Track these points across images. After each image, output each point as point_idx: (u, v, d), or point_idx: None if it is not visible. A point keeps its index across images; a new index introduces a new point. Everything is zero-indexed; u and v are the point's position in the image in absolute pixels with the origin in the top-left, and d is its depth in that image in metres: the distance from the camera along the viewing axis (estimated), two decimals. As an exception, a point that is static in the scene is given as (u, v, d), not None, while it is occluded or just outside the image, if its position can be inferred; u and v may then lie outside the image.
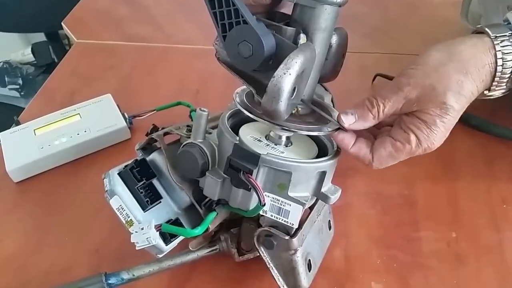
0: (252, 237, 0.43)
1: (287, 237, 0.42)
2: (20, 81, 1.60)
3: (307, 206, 0.41)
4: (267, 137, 0.43)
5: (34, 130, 0.64)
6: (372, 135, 0.44)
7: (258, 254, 0.44)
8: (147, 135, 0.48)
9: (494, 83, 0.42)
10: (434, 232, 0.52)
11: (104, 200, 0.44)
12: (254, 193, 0.39)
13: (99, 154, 0.64)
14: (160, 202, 0.46)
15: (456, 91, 0.40)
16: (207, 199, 0.43)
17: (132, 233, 0.42)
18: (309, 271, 0.45)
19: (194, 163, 0.41)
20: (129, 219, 0.43)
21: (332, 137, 0.43)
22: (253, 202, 0.41)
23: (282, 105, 0.35)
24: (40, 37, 1.55)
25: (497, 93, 0.44)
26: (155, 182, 0.46)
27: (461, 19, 0.76)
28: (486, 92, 0.43)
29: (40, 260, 0.52)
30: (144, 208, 0.44)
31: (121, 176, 0.44)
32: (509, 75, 0.42)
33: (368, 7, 0.89)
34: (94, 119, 0.65)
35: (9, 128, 0.65)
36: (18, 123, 0.66)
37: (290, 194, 0.40)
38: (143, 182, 0.45)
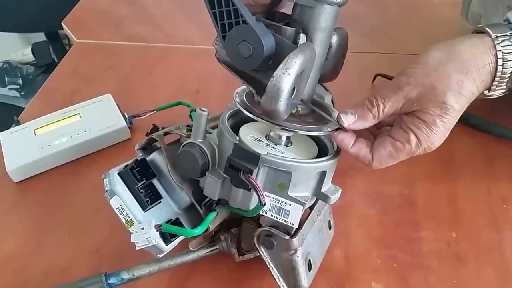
0: (252, 237, 0.43)
1: (287, 237, 0.42)
2: (20, 81, 1.60)
3: (307, 206, 0.41)
4: (267, 137, 0.43)
5: (34, 130, 0.64)
6: (372, 135, 0.44)
7: (258, 254, 0.44)
8: (147, 135, 0.48)
9: (494, 83, 0.42)
10: (434, 232, 0.52)
11: (104, 200, 0.44)
12: (254, 193, 0.39)
13: (99, 154, 0.64)
14: (160, 202, 0.46)
15: (456, 91, 0.40)
16: (207, 199, 0.43)
17: (132, 233, 0.42)
18: (309, 271, 0.45)
19: (194, 163, 0.41)
20: (129, 219, 0.43)
21: (332, 137, 0.43)
22: (253, 202, 0.41)
23: (282, 105, 0.35)
24: (40, 37, 1.55)
25: (497, 93, 0.44)
26: (155, 182, 0.46)
27: (461, 19, 0.76)
28: (486, 92, 0.43)
29: (40, 260, 0.52)
30: (144, 208, 0.44)
31: (121, 176, 0.44)
32: (509, 75, 0.42)
33: (368, 7, 0.89)
34: (94, 119, 0.65)
35: (9, 128, 0.65)
36: (18, 123, 0.66)
37: (290, 194, 0.40)
38: (143, 182, 0.44)
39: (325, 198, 0.41)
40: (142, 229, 0.42)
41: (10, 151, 0.61)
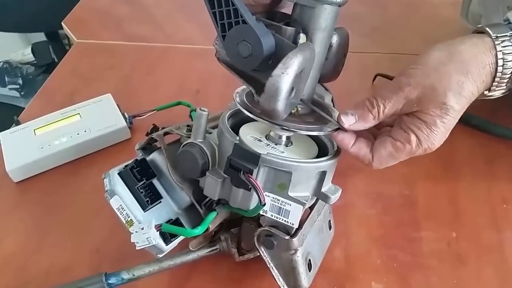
0: (252, 237, 0.43)
1: (287, 237, 0.42)
2: (20, 81, 1.60)
3: (307, 206, 0.41)
4: (267, 137, 0.43)
5: (34, 130, 0.64)
6: (372, 135, 0.44)
7: (258, 254, 0.44)
8: (147, 135, 0.48)
9: (494, 84, 0.42)
10: (435, 232, 0.52)
11: (104, 200, 0.44)
12: (254, 193, 0.39)
13: (99, 154, 0.64)
14: (160, 202, 0.46)
15: (457, 92, 0.40)
16: (207, 199, 0.43)
17: (132, 233, 0.42)
18: (309, 271, 0.45)
19: (194, 163, 0.41)
20: (129, 219, 0.43)
21: (332, 137, 0.43)
22: (253, 202, 0.41)
23: (281, 105, 0.35)
24: (40, 37, 1.55)
25: (497, 93, 0.44)
26: (155, 182, 0.46)
27: (461, 19, 0.76)
28: (486, 92, 0.43)
29: (40, 260, 0.52)
30: (144, 208, 0.44)
31: (121, 176, 0.44)
32: (509, 75, 0.42)
33: (368, 7, 0.89)
34: (94, 119, 0.65)
35: (9, 128, 0.65)
36: (18, 123, 0.66)
37: (290, 194, 0.40)
38: (143, 182, 0.44)
39: (325, 198, 0.41)
40: (142, 229, 0.42)
41: (10, 151, 0.61)
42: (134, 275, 0.45)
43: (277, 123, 0.39)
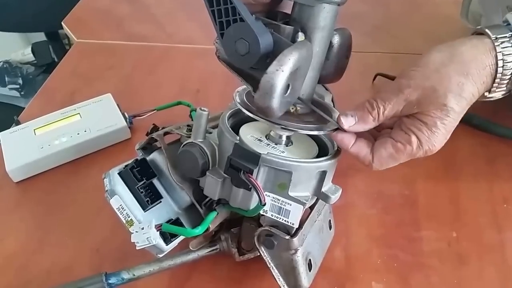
0: (252, 237, 0.43)
1: (287, 237, 0.42)
2: (20, 81, 1.60)
3: (307, 205, 0.41)
4: (268, 136, 0.43)
5: (34, 130, 0.64)
6: (373, 137, 0.44)
7: (259, 254, 0.44)
8: (147, 134, 0.48)
9: (494, 85, 0.42)
10: (435, 231, 0.52)
11: (104, 199, 0.44)
12: (255, 193, 0.39)
13: (99, 154, 0.64)
14: (161, 201, 0.46)
15: (457, 93, 0.40)
16: (207, 199, 0.43)
17: (133, 233, 0.42)
18: (310, 270, 0.45)
19: (194, 163, 0.41)
20: (129, 219, 0.43)
21: (331, 137, 0.43)
22: (254, 202, 0.41)
23: (275, 102, 0.35)
24: (40, 36, 1.56)
25: (498, 94, 0.44)
26: (155, 181, 0.46)
27: (461, 19, 0.76)
28: (486, 93, 0.43)
29: (41, 260, 0.52)
30: (144, 207, 0.44)
31: (122, 175, 0.44)
32: (509, 76, 0.42)
33: (369, 6, 0.89)
34: (94, 118, 0.65)
35: (9, 128, 0.65)
36: (18, 123, 0.66)
37: (290, 193, 0.40)
38: (144, 182, 0.44)
39: (325, 197, 0.41)
40: (142, 229, 0.42)
41: (10, 151, 0.61)
42: (134, 275, 0.45)
43: (277, 122, 0.39)
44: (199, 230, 0.42)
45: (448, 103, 0.40)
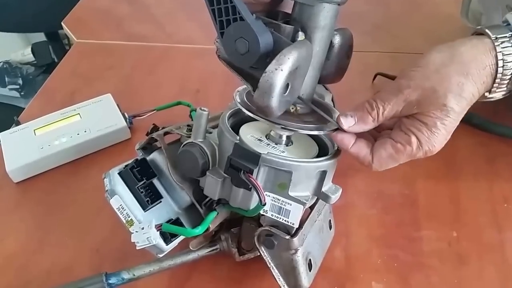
0: (252, 237, 0.43)
1: (287, 237, 0.42)
2: (20, 81, 1.60)
3: (307, 205, 0.41)
4: (268, 136, 0.43)
5: (34, 130, 0.64)
6: (373, 137, 0.44)
7: (259, 254, 0.44)
8: (147, 134, 0.48)
9: (495, 85, 0.42)
10: (435, 231, 0.52)
11: (104, 199, 0.44)
12: (255, 193, 0.39)
13: (99, 154, 0.64)
14: (161, 201, 0.46)
15: (457, 93, 0.40)
16: (207, 199, 0.43)
17: (133, 233, 0.42)
18: (310, 270, 0.45)
19: (194, 163, 0.41)
20: (129, 219, 0.43)
21: (331, 137, 0.42)
22: (254, 202, 0.41)
23: (274, 101, 0.35)
24: (40, 37, 1.55)
25: (498, 95, 0.44)
26: (155, 181, 0.46)
27: (461, 18, 0.76)
28: (487, 94, 0.43)
29: (41, 260, 0.52)
30: (144, 207, 0.44)
31: (122, 175, 0.44)
32: (509, 76, 0.42)
33: (370, 5, 0.89)
34: (94, 119, 0.65)
35: (9, 128, 0.65)
36: (18, 123, 0.66)
37: (290, 193, 0.40)
38: (144, 182, 0.44)
39: (325, 197, 0.41)
40: (143, 228, 0.42)
41: (10, 151, 0.61)
42: (134, 275, 0.45)
43: (277, 122, 0.39)
44: (199, 230, 0.42)
45: (448, 103, 0.40)
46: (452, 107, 0.40)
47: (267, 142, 0.42)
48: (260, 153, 0.38)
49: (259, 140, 0.42)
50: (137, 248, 0.42)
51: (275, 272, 0.44)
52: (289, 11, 0.40)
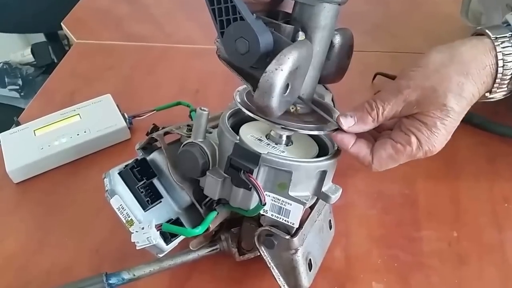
0: (252, 237, 0.43)
1: (287, 237, 0.42)
2: (20, 82, 1.60)
3: (307, 205, 0.41)
4: (268, 136, 0.43)
5: (34, 130, 0.64)
6: (373, 138, 0.44)
7: (259, 254, 0.44)
8: (147, 134, 0.48)
9: (495, 85, 0.42)
10: (436, 231, 0.52)
11: (104, 200, 0.44)
12: (255, 193, 0.39)
13: (99, 154, 0.64)
14: (161, 201, 0.45)
15: (457, 93, 0.40)
16: (207, 199, 0.43)
17: (133, 233, 0.42)
18: (310, 270, 0.45)
19: (194, 163, 0.41)
20: (129, 219, 0.43)
21: (331, 137, 0.42)
22: (254, 202, 0.41)
23: (275, 101, 0.35)
24: (40, 37, 1.56)
25: (499, 95, 0.44)
26: (155, 181, 0.46)
27: (461, 17, 0.76)
28: (487, 94, 0.43)
29: (41, 260, 0.52)
30: (144, 207, 0.44)
31: (122, 175, 0.44)
32: (510, 76, 0.42)
33: (369, 4, 0.89)
34: (94, 119, 0.65)
35: (9, 128, 0.65)
36: (18, 124, 0.66)
37: (290, 193, 0.40)
38: (144, 182, 0.44)
39: (325, 197, 0.41)
40: (143, 228, 0.42)
41: (10, 152, 0.61)
42: (134, 275, 0.45)
43: (277, 122, 0.39)
44: (199, 230, 0.42)
45: (448, 103, 0.40)
46: (452, 107, 0.40)
47: (267, 142, 0.42)
48: (260, 153, 0.38)
49: (259, 140, 0.42)
50: (137, 248, 0.42)
51: (275, 272, 0.44)
52: (290, 11, 0.40)
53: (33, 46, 1.58)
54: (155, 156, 0.46)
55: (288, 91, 0.36)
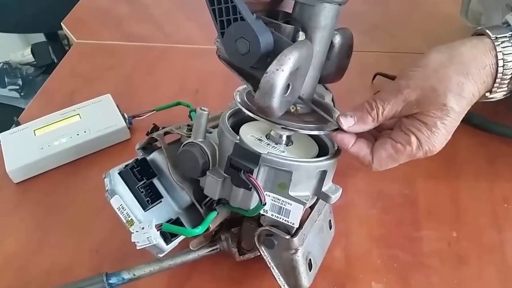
0: (252, 237, 0.43)
1: (287, 237, 0.42)
2: (20, 82, 1.60)
3: (307, 205, 0.41)
4: (268, 136, 0.43)
5: (34, 130, 0.64)
6: (373, 137, 0.44)
7: (259, 254, 0.44)
8: (147, 134, 0.48)
9: (495, 85, 0.42)
10: (436, 231, 0.52)
11: (104, 200, 0.44)
12: (255, 193, 0.39)
13: (99, 154, 0.64)
14: (161, 201, 0.46)
15: (457, 93, 0.40)
16: (207, 199, 0.43)
17: (133, 233, 0.42)
18: (310, 270, 0.45)
19: (194, 163, 0.41)
20: (129, 219, 0.43)
21: (331, 137, 0.42)
22: (254, 202, 0.41)
23: (275, 102, 0.35)
24: (40, 37, 1.56)
25: (499, 95, 0.44)
26: (155, 181, 0.46)
27: (461, 18, 0.76)
28: (487, 94, 0.43)
29: (41, 260, 0.52)
30: (144, 207, 0.44)
31: (122, 175, 0.44)
32: (510, 76, 0.42)
33: (368, 4, 0.89)
34: (93, 119, 0.65)
35: (9, 128, 0.65)
36: (18, 124, 0.66)
37: (290, 193, 0.40)
38: (144, 182, 0.44)
39: (325, 197, 0.41)
40: (143, 228, 0.42)
41: (10, 152, 0.61)
42: (134, 274, 0.45)
43: (277, 122, 0.39)
44: (199, 230, 0.42)
45: (448, 103, 0.40)
46: (452, 107, 0.40)
47: (267, 142, 0.42)
48: (260, 153, 0.38)
49: (259, 140, 0.42)
50: (138, 248, 0.42)
51: (275, 272, 0.44)
52: (290, 11, 0.40)
53: (33, 46, 1.58)
54: (155, 156, 0.46)
55: (289, 91, 0.36)
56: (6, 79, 1.60)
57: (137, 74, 0.78)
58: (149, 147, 0.47)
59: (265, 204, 0.39)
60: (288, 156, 0.40)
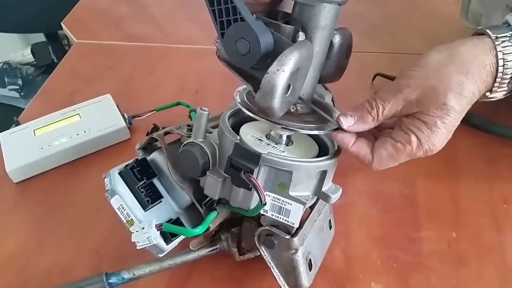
0: (252, 237, 0.43)
1: (288, 237, 0.42)
2: (20, 82, 1.60)
3: (307, 205, 0.41)
4: (268, 136, 0.43)
5: (34, 130, 0.64)
6: (373, 137, 0.44)
7: (259, 254, 0.44)
8: (147, 134, 0.48)
9: (495, 84, 0.42)
10: (435, 232, 0.52)
11: (104, 200, 0.44)
12: (255, 193, 0.39)
13: (99, 154, 0.64)
14: (161, 201, 0.46)
15: (457, 92, 0.40)
16: (207, 199, 0.43)
17: (133, 233, 0.42)
18: (310, 270, 0.45)
19: (194, 163, 0.41)
20: (129, 219, 0.43)
21: (332, 137, 0.43)
22: (254, 202, 0.41)
23: (276, 102, 0.35)
24: (40, 37, 1.55)
25: (499, 94, 0.44)
26: (155, 181, 0.46)
27: (461, 18, 0.76)
28: (488, 94, 0.43)
29: (41, 260, 0.52)
30: (144, 207, 0.44)
31: (122, 175, 0.44)
32: (510, 76, 0.42)
33: (367, 5, 0.89)
34: (93, 119, 0.65)
35: (9, 128, 0.65)
36: (18, 124, 0.66)
37: (291, 193, 0.40)
38: (144, 182, 0.44)
39: (325, 197, 0.41)
40: (143, 228, 0.42)
41: (10, 152, 0.61)
42: (134, 274, 0.45)
43: (278, 122, 0.39)
44: (199, 230, 0.42)
45: (448, 102, 0.40)
46: (452, 106, 0.40)
47: (267, 142, 0.42)
48: (261, 153, 0.38)
49: (259, 140, 0.42)
50: (138, 247, 0.42)
51: (275, 272, 0.44)
52: (289, 11, 0.40)
53: (33, 46, 1.58)
54: (155, 156, 0.46)
55: (289, 91, 0.36)
56: (6, 79, 1.60)
57: (137, 74, 0.78)
58: (149, 147, 0.47)
59: (265, 204, 0.39)
60: (288, 156, 0.40)
